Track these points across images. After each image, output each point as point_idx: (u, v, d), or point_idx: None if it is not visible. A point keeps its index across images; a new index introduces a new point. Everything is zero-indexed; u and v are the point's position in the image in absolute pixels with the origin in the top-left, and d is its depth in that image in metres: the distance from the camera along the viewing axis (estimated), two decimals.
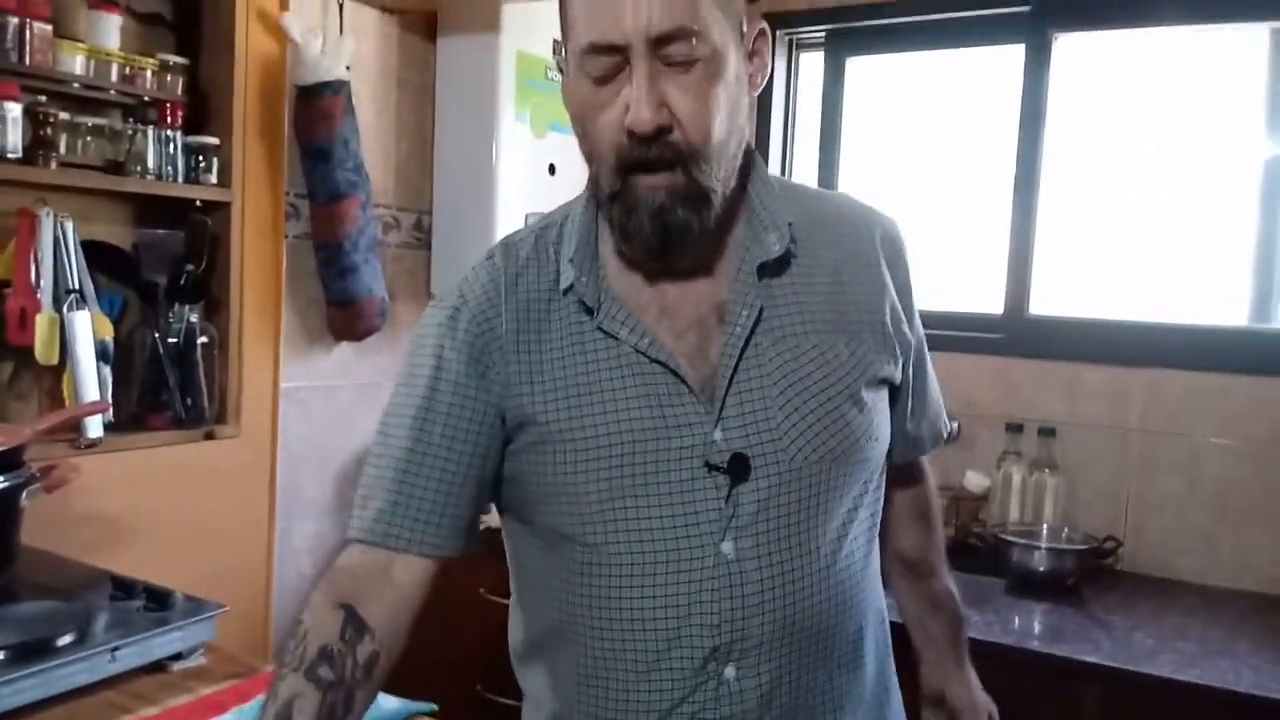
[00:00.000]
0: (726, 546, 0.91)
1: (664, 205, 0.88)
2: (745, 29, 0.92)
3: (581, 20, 0.87)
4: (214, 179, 1.91)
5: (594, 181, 0.94)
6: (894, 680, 1.09)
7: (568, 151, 2.49)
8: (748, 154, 0.97)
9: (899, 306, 1.01)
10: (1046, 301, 2.27)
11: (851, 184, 2.50)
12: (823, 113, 2.52)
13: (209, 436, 1.94)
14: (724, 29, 0.87)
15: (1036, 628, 1.78)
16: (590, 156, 0.92)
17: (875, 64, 2.49)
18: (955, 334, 2.25)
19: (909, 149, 2.46)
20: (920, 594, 1.20)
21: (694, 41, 0.84)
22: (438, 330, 0.98)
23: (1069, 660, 1.60)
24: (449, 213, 2.40)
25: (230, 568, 2.02)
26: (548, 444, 0.94)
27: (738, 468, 0.90)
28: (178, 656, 1.31)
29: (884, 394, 1.00)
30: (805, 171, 2.55)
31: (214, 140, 1.90)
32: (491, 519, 2.16)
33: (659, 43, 0.84)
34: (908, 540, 1.19)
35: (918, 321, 1.07)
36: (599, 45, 0.85)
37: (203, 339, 1.92)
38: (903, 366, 1.03)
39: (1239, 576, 2.01)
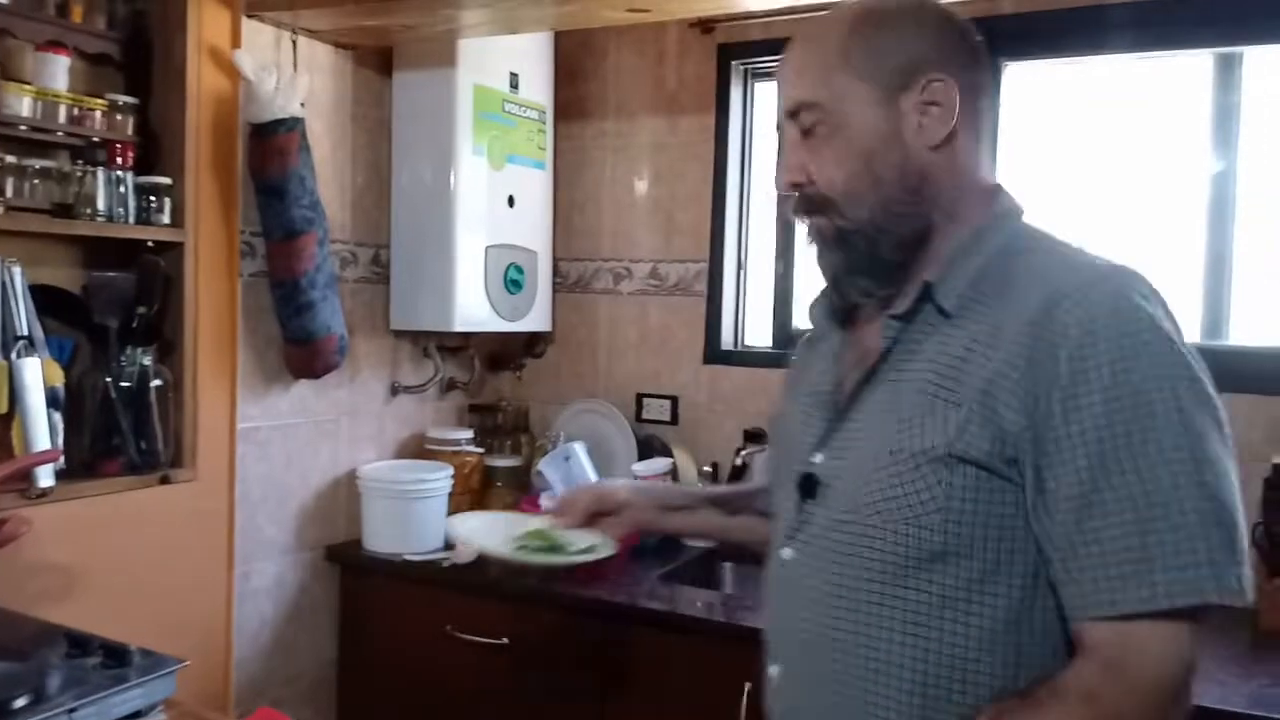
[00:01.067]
0: (786, 552, 1.07)
1: (819, 249, 1.07)
2: (910, 86, 1.00)
3: None
4: (166, 219, 1.88)
5: None
6: None
7: (526, 183, 2.49)
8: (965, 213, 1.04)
9: (1014, 387, 0.90)
10: None
11: None
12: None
13: (164, 481, 1.90)
14: (855, 94, 1.01)
15: None
16: None
17: None
18: None
19: None
20: None
21: (816, 111, 1.02)
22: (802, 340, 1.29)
23: None
24: (407, 246, 2.38)
25: (189, 615, 1.97)
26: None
27: (806, 486, 1.05)
28: (137, 714, 1.27)
29: (980, 477, 0.92)
30: (763, 201, 2.57)
31: (166, 180, 1.88)
32: (458, 555, 2.12)
33: (791, 115, 1.04)
34: None
35: (1069, 426, 0.87)
36: (776, 125, 1.09)
37: (156, 382, 1.88)
38: (1016, 463, 0.91)
39: None
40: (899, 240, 1.02)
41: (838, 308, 1.13)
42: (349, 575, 2.31)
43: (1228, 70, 2.11)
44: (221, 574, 2.05)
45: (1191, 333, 2.13)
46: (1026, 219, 1.06)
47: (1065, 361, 0.88)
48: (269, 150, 1.99)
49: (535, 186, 2.54)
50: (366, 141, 2.35)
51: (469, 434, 2.50)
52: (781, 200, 2.51)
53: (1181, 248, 2.16)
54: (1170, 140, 2.17)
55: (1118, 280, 0.92)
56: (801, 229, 1.11)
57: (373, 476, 2.28)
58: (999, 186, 1.08)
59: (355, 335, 2.30)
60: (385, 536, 2.26)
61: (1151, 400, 0.86)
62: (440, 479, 2.29)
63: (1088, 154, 2.24)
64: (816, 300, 1.18)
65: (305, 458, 2.24)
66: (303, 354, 2.08)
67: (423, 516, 2.26)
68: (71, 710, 1.18)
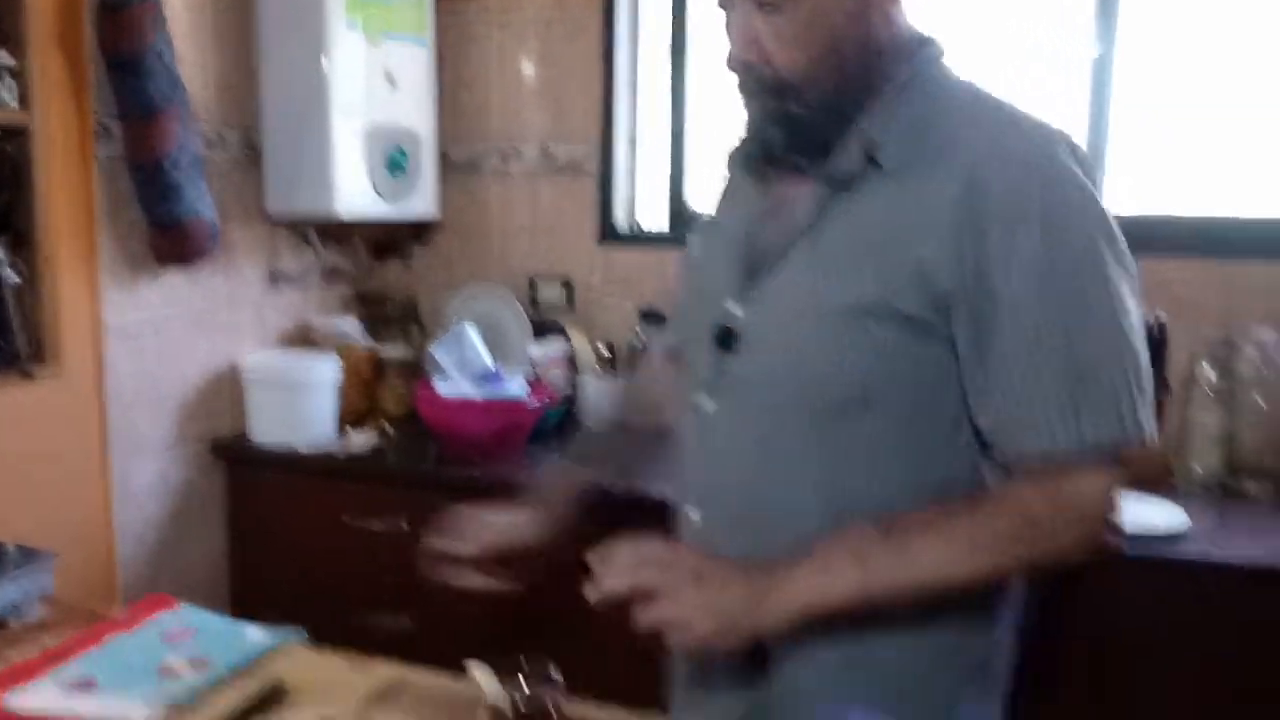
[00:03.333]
0: (707, 403, 1.05)
1: (760, 125, 1.02)
2: None
3: None
4: (11, 102, 1.74)
5: None
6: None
7: (407, 61, 2.37)
8: (911, 61, 1.00)
9: (957, 244, 0.91)
10: None
11: (703, 94, 2.47)
12: (672, 24, 2.47)
13: (26, 377, 1.80)
14: None
15: None
16: None
17: None
18: None
19: None
20: None
21: None
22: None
23: None
24: (280, 128, 2.26)
25: (66, 517, 1.90)
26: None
27: (723, 338, 1.03)
28: (13, 610, 1.22)
29: (905, 330, 0.93)
30: (657, 85, 2.51)
31: (8, 60, 1.72)
32: (352, 444, 2.04)
33: None
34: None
35: (1007, 285, 0.90)
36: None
37: (10, 275, 1.76)
38: (947, 319, 0.92)
39: None
40: (844, 116, 0.99)
41: (757, 161, 1.08)
42: (237, 470, 2.25)
43: None
44: (96, 473, 1.97)
45: None
46: (947, 67, 1.03)
47: (998, 221, 0.90)
48: (121, 24, 1.83)
49: (417, 64, 2.41)
50: (230, 16, 2.19)
51: (357, 324, 2.43)
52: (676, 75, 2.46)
53: (1064, 126, 2.19)
54: (1052, 19, 2.17)
55: (1041, 138, 0.94)
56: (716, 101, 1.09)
57: (258, 367, 2.20)
58: (927, 37, 1.03)
59: (228, 222, 2.18)
60: (274, 429, 2.19)
61: (1080, 260, 0.90)
62: (329, 368, 2.23)
63: (968, 37, 2.23)
64: (735, 151, 1.13)
65: (181, 351, 2.14)
66: (170, 241, 1.96)
67: (313, 407, 2.20)
68: None
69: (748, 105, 1.02)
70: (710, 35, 2.46)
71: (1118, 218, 0.95)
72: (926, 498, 0.95)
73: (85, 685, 1.07)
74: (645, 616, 0.91)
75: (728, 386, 1.04)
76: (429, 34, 2.44)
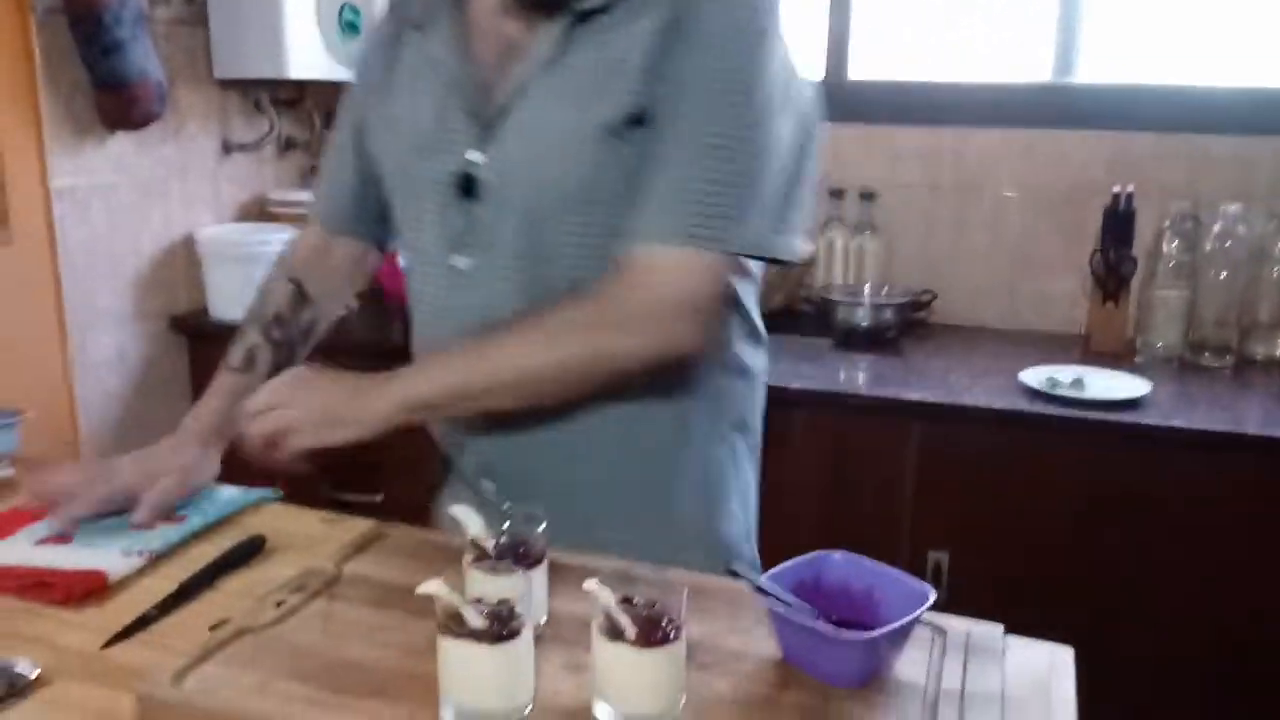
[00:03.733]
0: (461, 261, 1.01)
1: None
2: None
3: None
4: None
5: None
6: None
7: None
8: None
9: (663, 55, 0.93)
10: (864, 67, 2.28)
11: None
12: None
13: None
14: None
15: (862, 377, 1.87)
16: None
17: None
18: None
19: None
20: None
21: None
22: (373, 32, 1.17)
23: (894, 400, 1.70)
24: None
25: (24, 387, 1.85)
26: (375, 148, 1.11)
27: (467, 187, 0.99)
28: None
29: (641, 138, 0.94)
30: None
31: None
32: None
33: None
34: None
35: (681, 91, 0.93)
36: None
37: None
38: (649, 115, 0.94)
39: (1035, 320, 2.16)
40: None
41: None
42: (198, 345, 2.21)
43: None
44: (55, 343, 1.92)
45: (1043, 71, 2.19)
46: None
47: (689, 37, 0.93)
48: None
49: None
50: None
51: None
52: None
53: None
54: None
55: None
56: None
57: (215, 239, 2.14)
58: None
59: (176, 85, 2.08)
60: (235, 304, 2.13)
61: (745, 80, 0.92)
62: (289, 240, 2.16)
63: None
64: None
65: (134, 221, 2.06)
66: (116, 102, 1.87)
67: None
68: None
69: None
70: None
71: (1086, 88, 0.93)
72: None
73: (59, 541, 1.05)
74: (256, 428, 0.96)
75: (480, 238, 1.00)
76: None
